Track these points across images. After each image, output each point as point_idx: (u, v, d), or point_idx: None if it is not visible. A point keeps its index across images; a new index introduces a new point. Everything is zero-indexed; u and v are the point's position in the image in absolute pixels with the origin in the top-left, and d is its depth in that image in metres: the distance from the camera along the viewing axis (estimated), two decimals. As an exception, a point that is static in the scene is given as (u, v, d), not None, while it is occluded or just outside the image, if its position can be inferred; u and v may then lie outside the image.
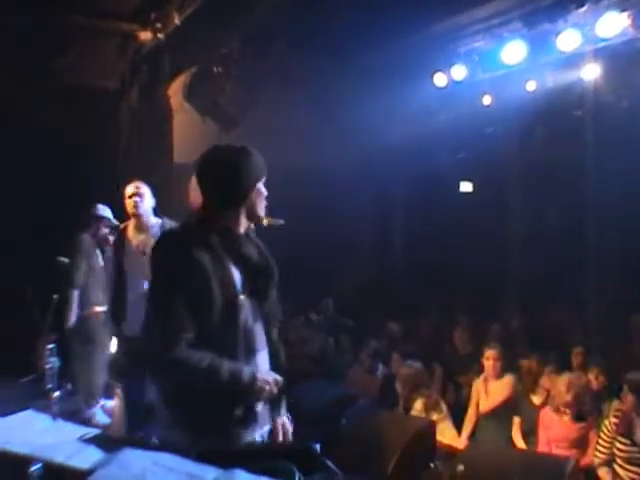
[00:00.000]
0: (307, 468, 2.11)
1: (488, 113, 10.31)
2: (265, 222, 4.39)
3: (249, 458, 2.11)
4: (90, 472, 2.04)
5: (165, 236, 3.11)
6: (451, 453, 5.75)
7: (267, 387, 2.85)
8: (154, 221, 5.75)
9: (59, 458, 2.16)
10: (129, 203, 5.68)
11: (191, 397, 2.78)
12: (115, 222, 6.81)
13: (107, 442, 2.36)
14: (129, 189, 5.72)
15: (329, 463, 2.19)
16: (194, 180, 4.42)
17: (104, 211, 7.03)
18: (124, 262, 5.66)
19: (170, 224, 5.51)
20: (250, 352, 2.92)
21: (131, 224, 5.81)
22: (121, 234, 5.83)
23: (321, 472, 2.20)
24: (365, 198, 11.91)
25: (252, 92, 9.33)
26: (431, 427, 5.62)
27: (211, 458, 2.10)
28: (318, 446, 5.21)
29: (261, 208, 3.02)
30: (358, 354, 7.84)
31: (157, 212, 5.84)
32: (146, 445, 2.34)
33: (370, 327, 9.13)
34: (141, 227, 5.73)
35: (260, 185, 2.97)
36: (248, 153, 2.92)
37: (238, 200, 2.93)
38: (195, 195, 4.74)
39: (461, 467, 4.54)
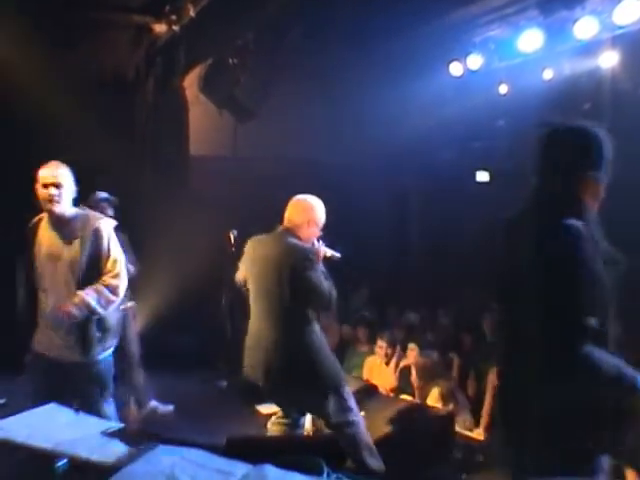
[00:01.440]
0: (336, 462, 2.09)
1: (504, 102, 10.22)
2: None
3: (278, 451, 2.09)
4: (115, 467, 2.04)
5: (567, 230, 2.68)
6: (469, 444, 5.71)
7: None
8: (72, 213, 4.71)
9: (83, 453, 2.15)
10: (43, 194, 4.59)
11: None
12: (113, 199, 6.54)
13: (129, 436, 2.35)
14: (44, 174, 4.61)
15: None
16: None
17: (102, 194, 6.58)
18: (34, 267, 4.68)
19: (94, 216, 4.81)
20: None
21: (44, 220, 4.76)
22: (31, 232, 4.73)
23: (348, 466, 2.19)
24: (381, 189, 11.87)
25: (267, 83, 9.32)
26: (449, 418, 5.62)
27: (240, 450, 2.09)
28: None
29: None
30: (375, 344, 7.83)
31: (77, 202, 4.82)
32: (170, 441, 2.33)
33: (388, 318, 9.11)
34: (55, 225, 4.69)
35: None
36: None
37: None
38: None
39: (480, 458, 4.53)
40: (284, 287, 4.45)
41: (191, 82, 9.95)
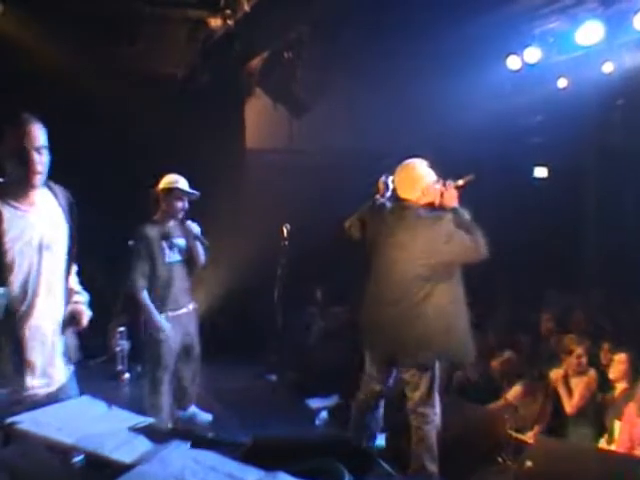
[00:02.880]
0: (360, 468, 2.04)
1: (564, 96, 10.03)
2: None
3: (298, 454, 2.05)
4: (130, 466, 2.02)
5: None
6: (521, 447, 5.56)
7: None
8: None
9: (105, 449, 2.13)
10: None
11: None
12: (192, 192, 6.00)
13: (157, 434, 2.34)
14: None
15: (383, 463, 2.15)
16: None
17: (175, 181, 5.97)
18: None
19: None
20: None
21: None
22: None
23: (374, 472, 2.14)
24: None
25: (322, 77, 9.31)
26: (500, 418, 5.48)
27: (259, 452, 2.06)
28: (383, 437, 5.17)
29: None
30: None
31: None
32: (197, 438, 2.31)
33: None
34: None
35: None
36: None
37: None
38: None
39: (529, 463, 4.38)
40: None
41: (250, 76, 10.03)
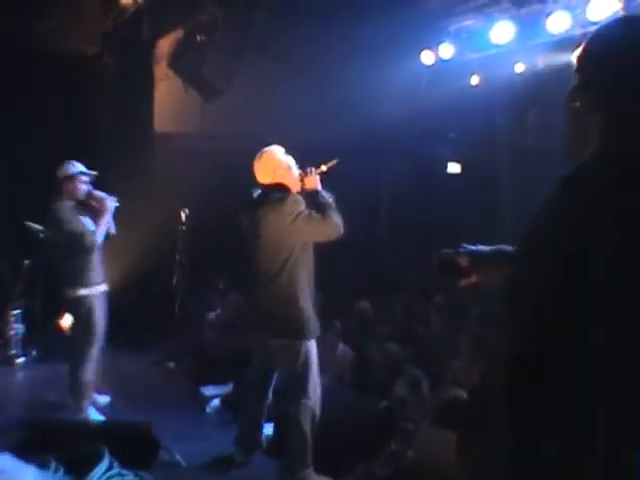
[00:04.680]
0: (144, 455, 1.99)
1: (476, 93, 10.08)
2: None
3: (76, 439, 1.99)
4: None
5: None
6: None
7: None
8: None
9: None
10: None
11: None
12: (91, 172, 6.26)
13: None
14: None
15: (172, 450, 2.05)
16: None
17: (73, 167, 6.22)
18: None
19: None
20: None
21: None
22: None
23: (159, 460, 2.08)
24: (348, 174, 11.74)
25: (235, 63, 9.13)
26: (391, 409, 5.58)
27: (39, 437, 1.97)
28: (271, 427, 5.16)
29: None
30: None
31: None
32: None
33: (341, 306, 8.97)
34: None
35: None
36: None
37: None
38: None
39: (411, 453, 4.54)
40: None
41: (161, 57, 9.77)
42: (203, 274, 8.74)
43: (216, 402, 6.72)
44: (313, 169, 5.04)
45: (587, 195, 1.51)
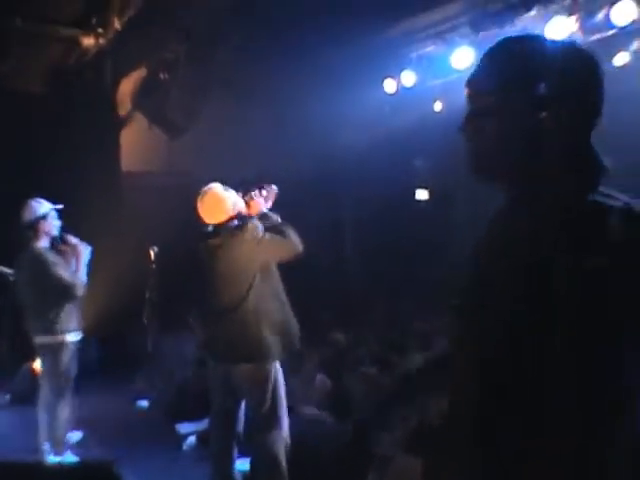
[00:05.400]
0: None
1: (439, 119, 10.14)
2: None
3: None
4: None
5: None
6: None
7: None
8: None
9: None
10: None
11: None
12: (58, 206, 6.06)
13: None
14: None
15: None
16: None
17: (42, 205, 5.98)
18: None
19: None
20: None
21: None
22: None
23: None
24: (317, 205, 11.77)
25: (199, 99, 9.16)
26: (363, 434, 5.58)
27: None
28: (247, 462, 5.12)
29: None
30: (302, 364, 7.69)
31: None
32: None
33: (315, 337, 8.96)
34: None
35: None
36: None
37: None
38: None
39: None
40: None
41: (126, 97, 9.79)
42: (174, 310, 8.69)
43: (192, 439, 6.64)
44: (257, 192, 5.08)
45: (543, 208, 1.56)
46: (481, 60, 1.79)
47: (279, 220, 5.01)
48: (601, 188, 1.57)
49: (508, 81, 1.68)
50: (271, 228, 4.85)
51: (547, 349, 1.43)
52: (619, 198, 1.54)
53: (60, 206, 6.09)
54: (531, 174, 1.65)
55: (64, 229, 6.13)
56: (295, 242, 4.86)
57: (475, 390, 1.61)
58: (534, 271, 1.47)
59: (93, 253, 6.28)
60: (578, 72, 1.66)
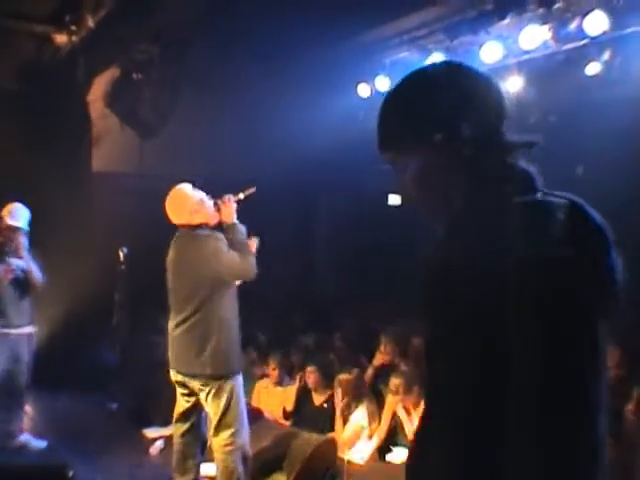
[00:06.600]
0: None
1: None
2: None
3: None
4: None
5: None
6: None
7: None
8: None
9: None
10: None
11: None
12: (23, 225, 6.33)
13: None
14: None
15: None
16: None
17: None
18: None
19: None
20: None
21: None
22: None
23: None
24: (290, 208, 11.77)
25: (172, 99, 9.10)
26: (332, 444, 5.56)
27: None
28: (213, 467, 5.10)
29: None
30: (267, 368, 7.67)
31: None
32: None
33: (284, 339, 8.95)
34: None
35: None
36: None
37: None
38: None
39: None
40: None
41: (99, 96, 9.70)
42: (144, 313, 8.62)
43: (160, 443, 6.61)
44: (231, 196, 4.97)
45: (483, 217, 1.60)
46: (383, 110, 1.82)
47: (244, 235, 4.90)
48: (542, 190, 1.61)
49: (412, 126, 1.72)
50: (234, 244, 4.76)
51: (512, 349, 1.43)
52: (561, 195, 1.57)
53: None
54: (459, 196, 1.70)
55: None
56: (250, 268, 4.77)
57: (449, 391, 1.63)
58: (487, 273, 1.49)
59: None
60: (471, 95, 1.68)
